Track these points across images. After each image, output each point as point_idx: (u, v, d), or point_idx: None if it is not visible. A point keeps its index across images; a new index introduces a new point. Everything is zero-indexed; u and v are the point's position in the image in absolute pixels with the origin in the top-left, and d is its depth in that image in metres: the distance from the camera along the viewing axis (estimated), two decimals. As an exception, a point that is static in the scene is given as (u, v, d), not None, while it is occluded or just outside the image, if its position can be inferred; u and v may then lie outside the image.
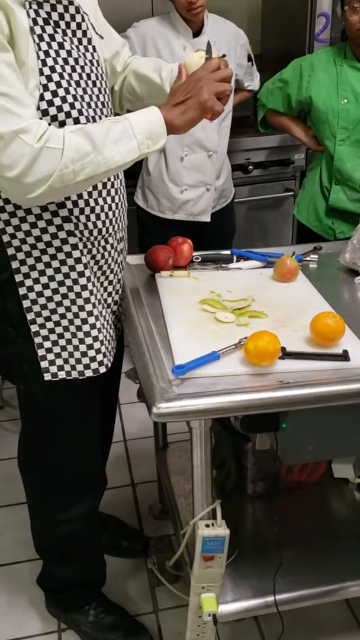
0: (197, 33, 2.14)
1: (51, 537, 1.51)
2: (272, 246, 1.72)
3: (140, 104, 1.40)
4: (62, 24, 1.11)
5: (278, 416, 1.15)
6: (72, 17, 1.13)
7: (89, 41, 1.17)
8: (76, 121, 1.10)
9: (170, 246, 1.55)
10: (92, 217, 1.19)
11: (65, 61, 1.09)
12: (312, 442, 1.19)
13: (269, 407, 1.08)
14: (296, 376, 1.11)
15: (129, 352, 1.35)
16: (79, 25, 1.14)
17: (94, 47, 1.18)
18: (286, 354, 1.14)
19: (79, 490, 1.43)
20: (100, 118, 1.17)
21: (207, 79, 1.10)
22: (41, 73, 1.05)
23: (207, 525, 1.20)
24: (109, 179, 1.20)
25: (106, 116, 1.21)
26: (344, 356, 1.14)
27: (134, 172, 2.57)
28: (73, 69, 1.11)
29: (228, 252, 1.61)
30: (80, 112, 1.11)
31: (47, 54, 1.06)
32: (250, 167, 2.79)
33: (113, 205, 1.23)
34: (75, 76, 1.12)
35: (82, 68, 1.14)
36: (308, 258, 1.61)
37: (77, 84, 1.12)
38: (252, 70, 2.41)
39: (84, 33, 1.15)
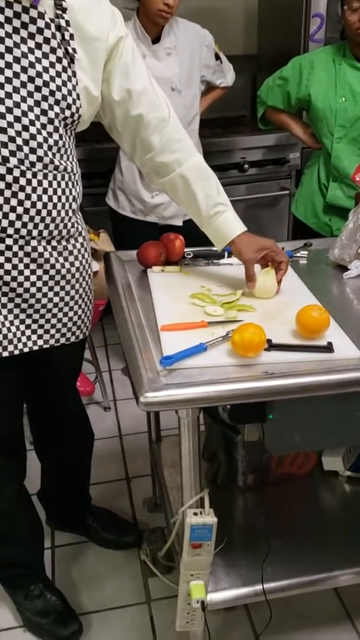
0: (156, 40, 2.15)
1: None
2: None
3: (174, 197, 1.47)
4: (16, 22, 1.11)
5: (265, 407, 1.17)
6: (33, 20, 1.13)
7: (53, 50, 1.17)
8: None
9: (162, 242, 1.57)
10: None
11: (1, 55, 1.10)
12: (298, 432, 1.21)
13: (254, 397, 1.10)
14: (281, 367, 1.13)
15: (120, 350, 1.36)
16: (39, 30, 1.14)
17: (58, 58, 1.18)
18: (272, 346, 1.16)
19: None
20: (22, 120, 1.15)
21: None
22: None
23: (195, 514, 1.23)
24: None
25: (32, 120, 1.16)
26: (329, 348, 1.17)
27: (102, 173, 2.57)
28: (8, 65, 1.11)
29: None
30: None
31: None
32: (246, 166, 2.82)
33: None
34: (8, 72, 1.11)
35: (25, 69, 1.13)
36: (298, 254, 1.64)
37: (8, 80, 1.11)
38: (222, 68, 2.42)
39: (46, 40, 1.16)
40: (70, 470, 1.79)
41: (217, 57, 2.36)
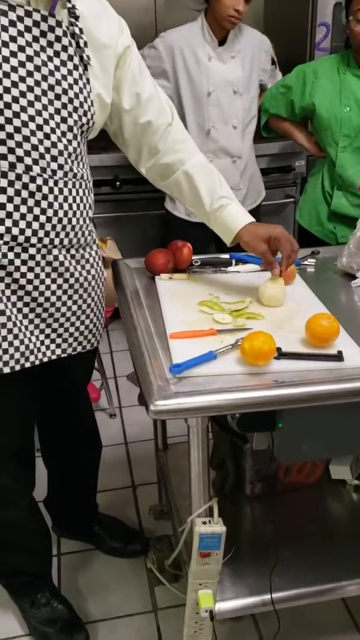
0: (221, 42, 2.19)
1: None
2: (274, 251, 1.75)
3: (179, 198, 1.46)
4: (36, 31, 1.12)
5: (274, 416, 1.17)
6: (51, 29, 1.14)
7: (70, 58, 1.18)
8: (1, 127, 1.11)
9: (170, 250, 1.58)
10: None
11: (22, 64, 1.11)
12: (307, 441, 1.21)
13: (264, 406, 1.10)
14: (291, 376, 1.12)
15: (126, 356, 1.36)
16: (57, 39, 1.15)
17: (75, 66, 1.19)
18: (282, 354, 1.16)
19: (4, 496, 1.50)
20: (43, 128, 1.15)
21: None
22: None
23: (204, 523, 1.22)
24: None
25: (53, 128, 1.17)
26: (338, 356, 1.16)
27: (108, 181, 2.65)
28: (29, 74, 1.12)
29: (227, 255, 1.64)
30: (17, 114, 1.11)
31: None
32: (252, 173, 2.82)
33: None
34: (30, 81, 1.12)
35: (45, 78, 1.14)
36: (306, 262, 1.64)
37: (30, 89, 1.12)
38: (275, 73, 2.47)
39: (64, 48, 1.17)
40: (78, 477, 1.79)
41: (273, 62, 2.42)
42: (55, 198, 1.21)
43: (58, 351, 1.36)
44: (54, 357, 1.35)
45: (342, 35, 2.30)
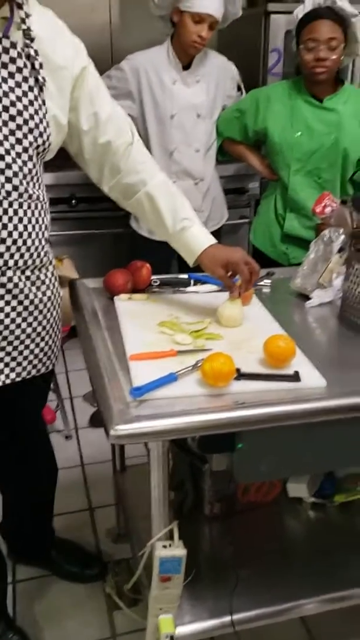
0: (186, 66, 2.23)
1: None
2: (228, 271, 1.77)
3: (142, 218, 1.48)
4: None
5: (234, 437, 1.18)
6: (5, 50, 1.14)
7: (25, 79, 1.18)
8: None
9: (129, 270, 1.58)
10: None
11: None
12: (266, 461, 1.22)
13: (226, 427, 1.11)
14: (250, 396, 1.14)
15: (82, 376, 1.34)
16: (12, 60, 1.15)
17: (30, 87, 1.19)
18: (241, 375, 1.17)
19: None
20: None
21: None
22: None
23: (165, 546, 1.21)
24: None
25: (7, 150, 1.17)
26: (295, 377, 1.19)
27: (64, 199, 2.65)
28: None
29: (186, 275, 1.65)
30: None
31: None
32: (207, 194, 2.86)
33: None
34: None
35: None
36: (261, 283, 1.67)
37: None
38: (239, 99, 2.50)
39: (19, 69, 1.17)
40: (33, 502, 1.75)
41: (239, 88, 2.44)
42: (10, 219, 1.20)
43: (12, 375, 1.33)
44: (8, 381, 1.32)
45: (293, 61, 2.36)
